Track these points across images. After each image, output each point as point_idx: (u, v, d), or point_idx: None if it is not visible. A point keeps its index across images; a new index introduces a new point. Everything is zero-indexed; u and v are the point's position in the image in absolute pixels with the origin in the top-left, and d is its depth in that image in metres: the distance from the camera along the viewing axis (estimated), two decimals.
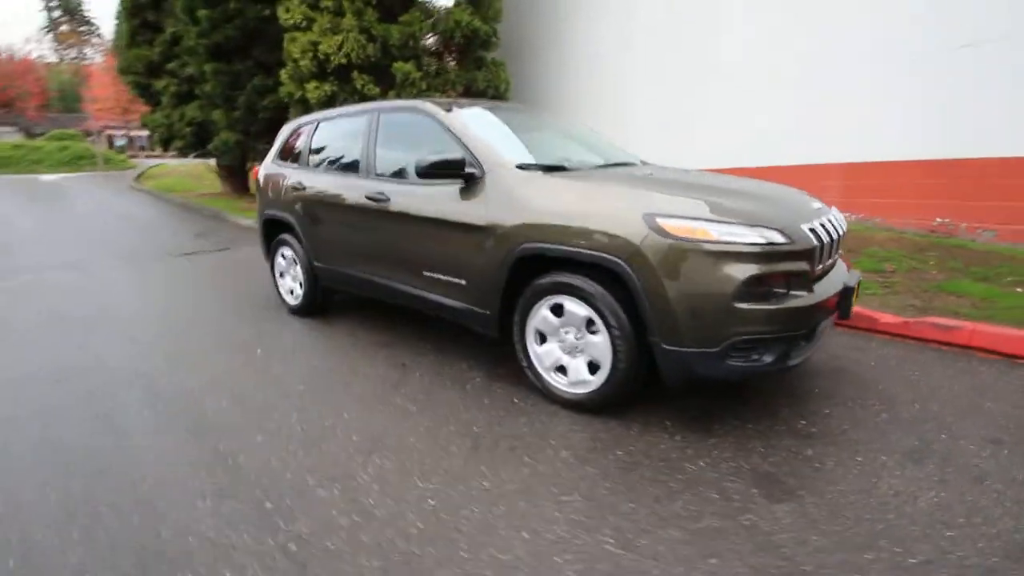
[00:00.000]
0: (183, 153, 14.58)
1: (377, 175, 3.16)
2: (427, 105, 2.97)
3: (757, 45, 6.60)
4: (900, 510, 1.68)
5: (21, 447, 2.22)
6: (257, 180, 4.32)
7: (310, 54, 8.25)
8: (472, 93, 9.50)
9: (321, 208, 3.52)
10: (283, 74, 8.96)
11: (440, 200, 2.73)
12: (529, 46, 10.55)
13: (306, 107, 9.29)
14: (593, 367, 2.31)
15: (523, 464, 2.00)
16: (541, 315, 2.42)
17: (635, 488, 1.84)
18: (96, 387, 2.81)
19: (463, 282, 2.69)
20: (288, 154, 4.02)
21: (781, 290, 2.01)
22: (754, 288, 1.95)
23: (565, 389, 2.41)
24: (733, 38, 6.91)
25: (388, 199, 2.99)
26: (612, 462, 2.00)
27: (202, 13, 10.51)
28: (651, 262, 2.00)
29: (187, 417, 2.45)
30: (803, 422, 2.25)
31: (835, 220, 2.37)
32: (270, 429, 2.31)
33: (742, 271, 1.93)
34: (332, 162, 3.59)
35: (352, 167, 3.36)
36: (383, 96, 8.80)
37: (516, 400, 2.54)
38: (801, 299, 2.01)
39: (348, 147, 3.46)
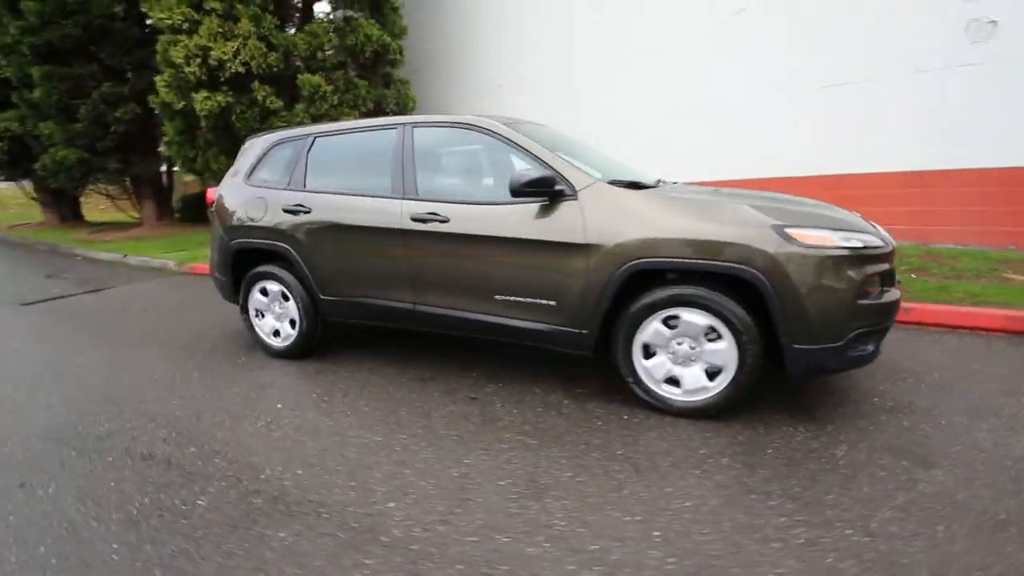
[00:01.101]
0: None
1: (421, 195, 2.89)
2: (485, 120, 2.81)
3: (658, 79, 7.43)
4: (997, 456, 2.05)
5: None
6: (216, 204, 3.63)
7: (198, 60, 7.17)
8: (382, 111, 9.12)
9: (336, 233, 3.09)
10: (160, 81, 7.65)
11: (518, 219, 2.60)
12: (433, 65, 10.45)
13: (191, 119, 8.04)
14: (710, 374, 2.40)
15: (698, 478, 1.99)
16: (652, 328, 2.43)
17: (819, 480, 1.95)
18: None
19: (552, 303, 2.59)
20: (270, 173, 3.45)
21: (880, 288, 2.32)
22: (867, 287, 2.23)
23: (680, 398, 2.45)
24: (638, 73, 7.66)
25: (446, 220, 2.75)
26: (773, 459, 2.09)
27: (29, 5, 8.49)
28: (786, 269, 2.16)
29: (313, 502, 1.96)
30: (875, 399, 2.60)
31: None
32: (403, 495, 1.96)
33: (860, 272, 2.19)
34: (345, 182, 3.18)
35: (380, 187, 3.03)
36: (287, 110, 8.00)
37: (625, 416, 2.51)
38: (891, 294, 2.34)
39: (369, 164, 3.11)
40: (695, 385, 2.41)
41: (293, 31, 8.40)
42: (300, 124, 7.79)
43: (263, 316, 3.54)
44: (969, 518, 1.71)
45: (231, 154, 8.33)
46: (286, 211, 3.25)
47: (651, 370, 2.48)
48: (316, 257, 3.18)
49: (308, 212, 3.17)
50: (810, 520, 1.73)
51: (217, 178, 8.34)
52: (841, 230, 2.24)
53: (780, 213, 2.32)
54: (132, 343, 4.00)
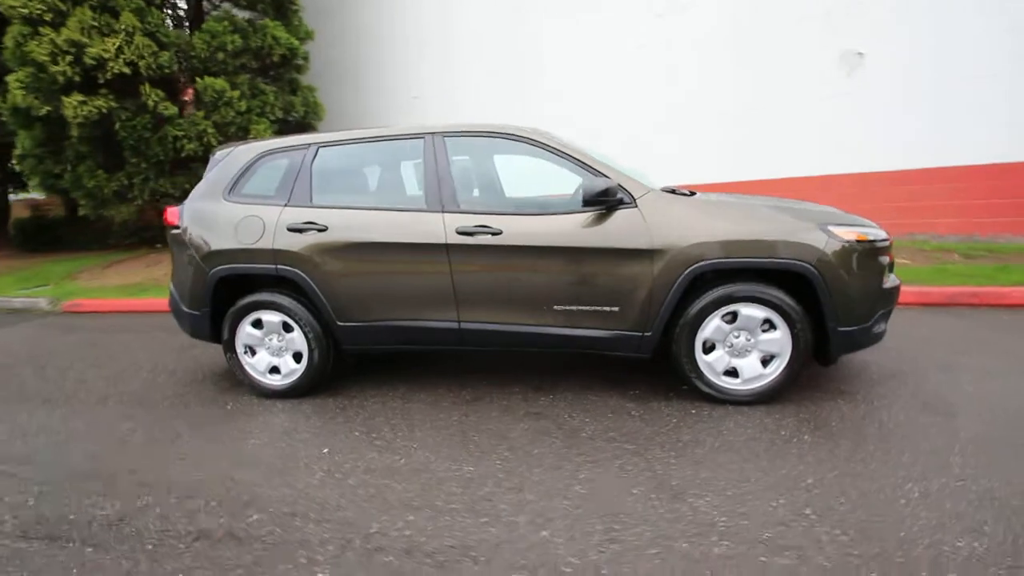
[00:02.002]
0: None
1: (462, 207, 2.76)
2: (528, 130, 2.77)
3: (570, 81, 7.89)
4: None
5: None
6: (184, 227, 3.07)
7: (69, 57, 6.03)
8: (289, 120, 8.41)
9: (361, 252, 2.80)
10: (13, 82, 6.24)
11: (578, 229, 2.62)
12: (339, 71, 9.86)
13: (56, 128, 6.65)
14: (764, 362, 2.62)
15: (797, 456, 2.17)
16: (713, 325, 2.59)
17: (889, 440, 2.25)
18: None
19: (615, 308, 2.63)
20: (260, 189, 3.02)
21: (891, 274, 2.73)
22: (886, 273, 2.62)
23: (740, 387, 2.64)
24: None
25: (499, 232, 2.66)
26: (841, 430, 2.35)
27: None
28: (833, 262, 2.45)
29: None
30: (874, 369, 3.05)
31: None
32: (548, 522, 1.84)
33: (884, 260, 2.58)
34: (363, 196, 2.90)
35: (409, 200, 2.82)
36: (184, 117, 7.00)
37: (692, 411, 2.64)
38: (895, 280, 2.77)
39: (391, 176, 2.89)
40: (753, 374, 2.62)
41: (187, 30, 7.38)
42: (202, 132, 6.88)
43: (254, 352, 3.07)
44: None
45: (112, 168, 7.08)
46: (292, 230, 2.87)
47: (712, 364, 2.64)
48: (333, 280, 2.85)
49: (323, 230, 2.83)
50: (915, 466, 1.99)
51: (93, 197, 7.02)
52: (862, 226, 2.61)
53: (810, 214, 2.63)
54: (57, 403, 3.21)
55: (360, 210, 2.86)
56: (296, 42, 8.00)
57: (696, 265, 2.51)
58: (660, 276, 2.55)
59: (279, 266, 2.89)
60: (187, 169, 7.37)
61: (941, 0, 5.97)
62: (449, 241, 2.70)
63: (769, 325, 2.56)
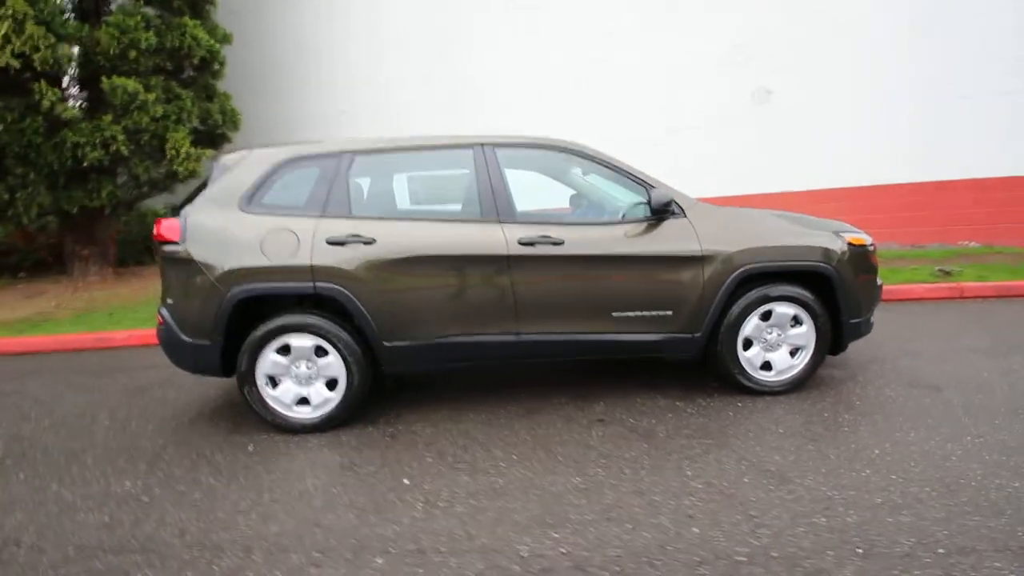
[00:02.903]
0: None
1: (518, 218, 2.75)
2: (579, 144, 2.85)
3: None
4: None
5: None
6: (189, 242, 2.66)
7: None
8: (207, 128, 7.63)
9: (414, 266, 2.66)
10: None
11: (634, 237, 2.76)
12: (258, 79, 9.13)
13: None
14: (791, 354, 2.94)
15: (847, 432, 2.47)
16: (753, 323, 2.86)
17: (904, 411, 2.64)
18: None
19: (669, 312, 2.79)
20: (287, 199, 2.72)
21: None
22: (878, 273, 3.09)
23: (774, 379, 2.93)
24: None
25: (560, 242, 2.69)
26: (867, 405, 2.73)
27: None
28: (847, 264, 2.84)
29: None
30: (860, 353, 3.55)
31: None
32: (690, 519, 1.89)
33: (876, 260, 3.04)
34: (408, 207, 2.77)
35: (462, 211, 2.76)
36: (89, 120, 6.02)
37: (739, 403, 2.86)
38: (880, 280, 3.27)
39: (437, 187, 2.80)
40: (784, 366, 2.93)
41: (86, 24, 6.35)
42: (109, 139, 5.98)
43: (276, 384, 2.75)
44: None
45: None
46: (332, 243, 2.63)
47: (751, 359, 2.90)
48: (381, 297, 2.66)
49: (370, 243, 2.64)
50: (942, 429, 2.37)
51: None
52: (861, 233, 3.06)
53: (821, 223, 3.03)
54: (17, 467, 2.58)
55: (410, 221, 2.72)
56: (216, 44, 7.30)
57: (742, 269, 2.76)
58: (710, 280, 2.76)
59: (317, 283, 2.63)
60: (86, 182, 6.31)
61: (835, 46, 7.15)
62: (512, 252, 2.68)
63: (796, 321, 2.89)
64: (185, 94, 7.03)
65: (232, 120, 7.70)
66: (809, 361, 2.92)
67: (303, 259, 2.63)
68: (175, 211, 2.90)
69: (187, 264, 2.67)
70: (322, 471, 2.40)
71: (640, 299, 2.78)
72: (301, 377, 2.75)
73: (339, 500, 2.15)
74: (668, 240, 2.76)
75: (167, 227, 2.72)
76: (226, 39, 7.87)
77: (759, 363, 2.91)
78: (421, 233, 2.71)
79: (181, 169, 6.60)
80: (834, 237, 2.89)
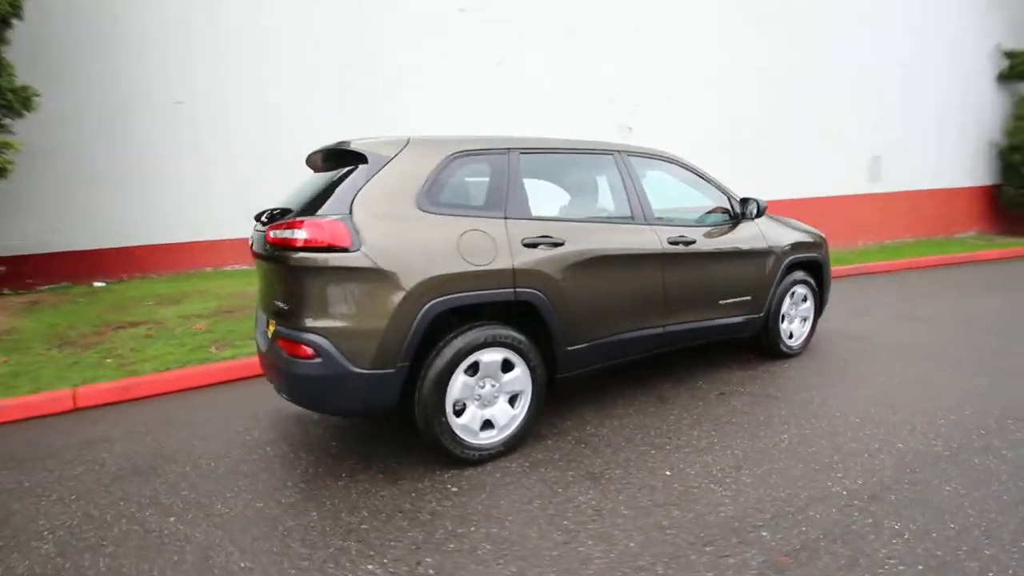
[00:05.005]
0: None
1: (657, 220, 3.01)
2: (675, 154, 3.26)
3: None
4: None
5: None
6: (357, 247, 2.05)
7: None
8: None
9: (594, 267, 2.65)
10: None
11: (735, 236, 3.37)
12: (59, 55, 6.53)
13: None
14: (802, 322, 3.93)
15: (871, 371, 3.51)
16: (788, 302, 3.74)
17: (877, 357, 3.86)
18: None
19: (749, 297, 3.45)
20: (463, 197, 2.36)
21: None
22: None
23: (795, 345, 3.85)
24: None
25: (692, 241, 3.06)
26: (857, 357, 3.87)
27: None
28: (824, 253, 3.98)
29: None
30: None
31: None
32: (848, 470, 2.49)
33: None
34: (568, 207, 2.71)
35: (615, 213, 2.86)
36: None
37: (785, 365, 3.68)
38: None
39: (592, 189, 2.83)
40: (800, 335, 3.90)
41: None
42: None
43: (462, 411, 2.35)
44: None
45: None
46: (527, 245, 2.42)
47: (786, 331, 3.78)
48: (568, 300, 2.56)
49: (559, 245, 2.51)
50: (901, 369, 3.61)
51: None
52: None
53: (802, 224, 4.13)
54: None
55: (583, 222, 2.70)
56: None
57: (790, 259, 3.64)
58: (771, 268, 3.54)
59: (518, 289, 2.38)
60: None
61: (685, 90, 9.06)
62: (665, 251, 2.93)
63: (803, 299, 3.90)
64: None
65: (23, 102, 5.32)
66: (811, 329, 3.97)
67: (504, 263, 2.35)
68: (275, 216, 2.22)
69: (365, 274, 2.08)
70: (588, 491, 2.20)
71: (737, 287, 3.36)
72: (485, 399, 2.41)
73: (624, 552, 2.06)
74: (749, 238, 3.43)
75: (326, 230, 2.06)
76: (17, 6, 5.44)
77: (788, 335, 3.81)
78: (597, 234, 2.72)
79: None
80: (818, 233, 4.01)
